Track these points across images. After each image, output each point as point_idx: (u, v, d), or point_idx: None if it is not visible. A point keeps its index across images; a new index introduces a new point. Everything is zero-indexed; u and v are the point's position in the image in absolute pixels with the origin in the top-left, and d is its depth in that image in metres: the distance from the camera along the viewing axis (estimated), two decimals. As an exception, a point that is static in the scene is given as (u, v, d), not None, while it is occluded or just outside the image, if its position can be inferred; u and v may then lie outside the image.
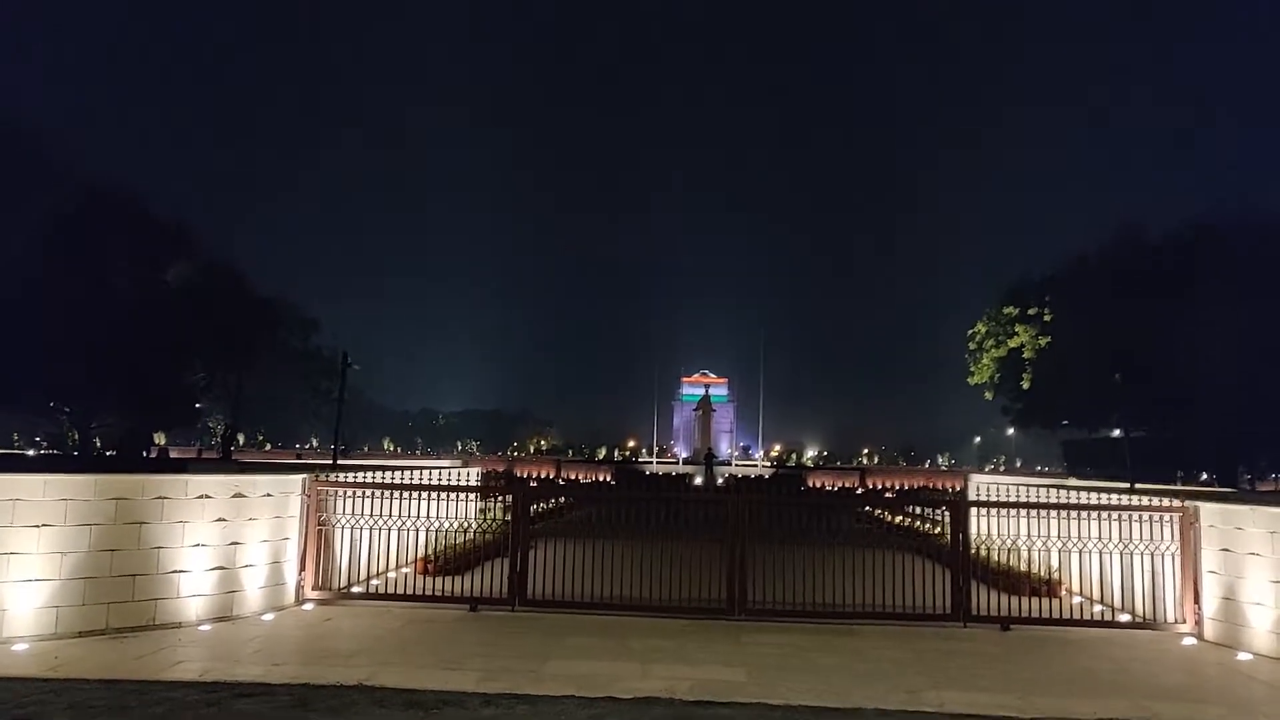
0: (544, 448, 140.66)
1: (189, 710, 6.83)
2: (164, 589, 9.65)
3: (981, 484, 21.24)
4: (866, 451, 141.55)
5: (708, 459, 51.23)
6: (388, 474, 12.69)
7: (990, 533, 11.93)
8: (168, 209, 41.36)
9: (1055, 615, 11.12)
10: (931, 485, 47.58)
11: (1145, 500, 11.75)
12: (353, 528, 11.68)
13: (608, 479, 45.87)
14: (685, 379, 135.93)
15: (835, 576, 11.25)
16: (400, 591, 11.65)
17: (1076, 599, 12.38)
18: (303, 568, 11.26)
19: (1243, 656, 9.67)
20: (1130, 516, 11.33)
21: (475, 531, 12.89)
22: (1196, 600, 10.71)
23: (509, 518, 11.98)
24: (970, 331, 47.98)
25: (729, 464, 73.55)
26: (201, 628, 9.67)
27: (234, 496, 10.37)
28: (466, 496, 13.76)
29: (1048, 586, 12.29)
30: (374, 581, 12.04)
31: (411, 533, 11.99)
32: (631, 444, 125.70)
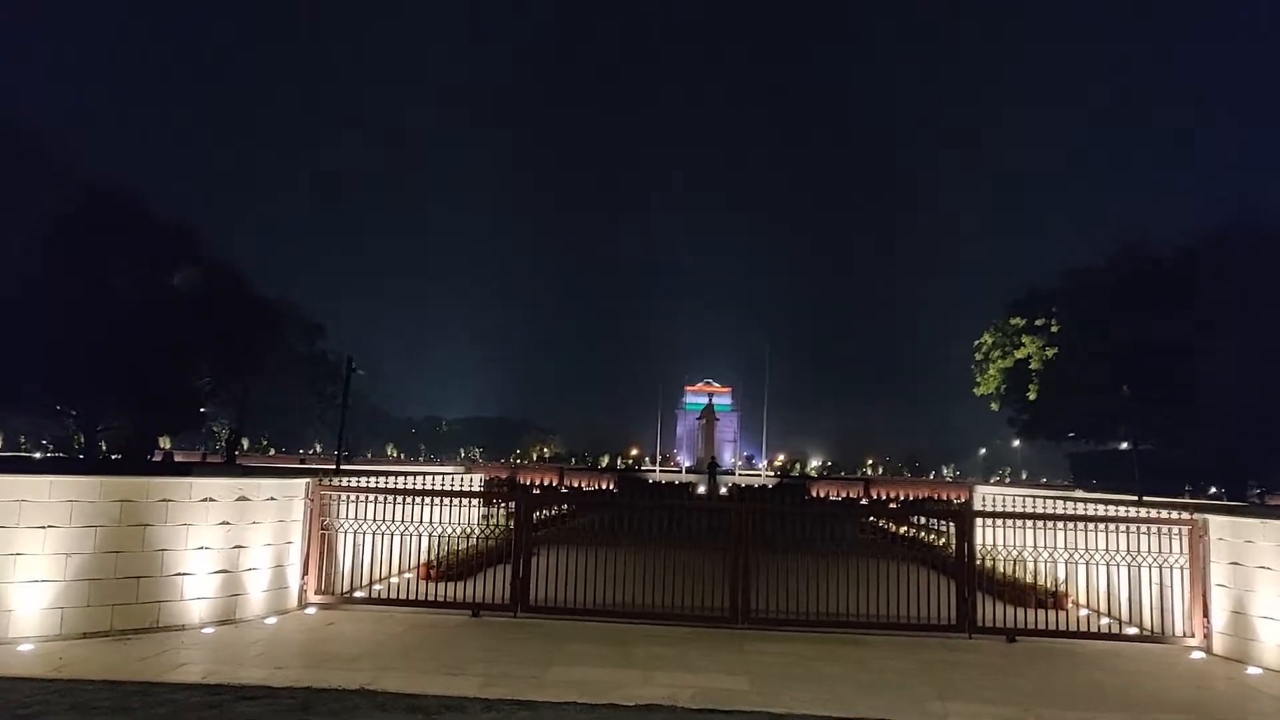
0: (547, 455, 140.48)
1: (191, 712, 6.80)
2: (168, 591, 9.65)
3: (987, 495, 21.14)
4: (871, 462, 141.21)
5: (711, 468, 51.05)
6: (391, 479, 12.69)
7: (996, 544, 11.86)
8: (168, 209, 41.37)
9: (1062, 627, 11.06)
10: (936, 496, 47.45)
11: (1153, 512, 11.68)
12: (356, 532, 11.67)
13: (611, 487, 45.88)
14: (689, 388, 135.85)
15: (839, 586, 11.19)
16: (403, 596, 11.63)
17: (1083, 611, 12.30)
18: (306, 572, 11.24)
19: (1252, 671, 9.58)
20: (1138, 529, 11.26)
21: (478, 537, 12.87)
22: (1205, 614, 10.62)
23: (512, 524, 11.97)
24: (977, 342, 47.94)
25: (733, 473, 73.37)
26: (205, 630, 9.66)
27: (238, 500, 10.36)
28: (469, 502, 13.76)
29: (1054, 599, 12.23)
30: (377, 586, 12.02)
31: (414, 538, 11.98)
32: (634, 452, 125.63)
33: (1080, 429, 47.56)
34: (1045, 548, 11.60)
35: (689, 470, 77.46)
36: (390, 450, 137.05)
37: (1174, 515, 11.32)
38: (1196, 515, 11.08)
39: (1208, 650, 10.44)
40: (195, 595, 9.85)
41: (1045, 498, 14.14)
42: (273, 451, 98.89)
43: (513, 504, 12.36)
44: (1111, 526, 11.42)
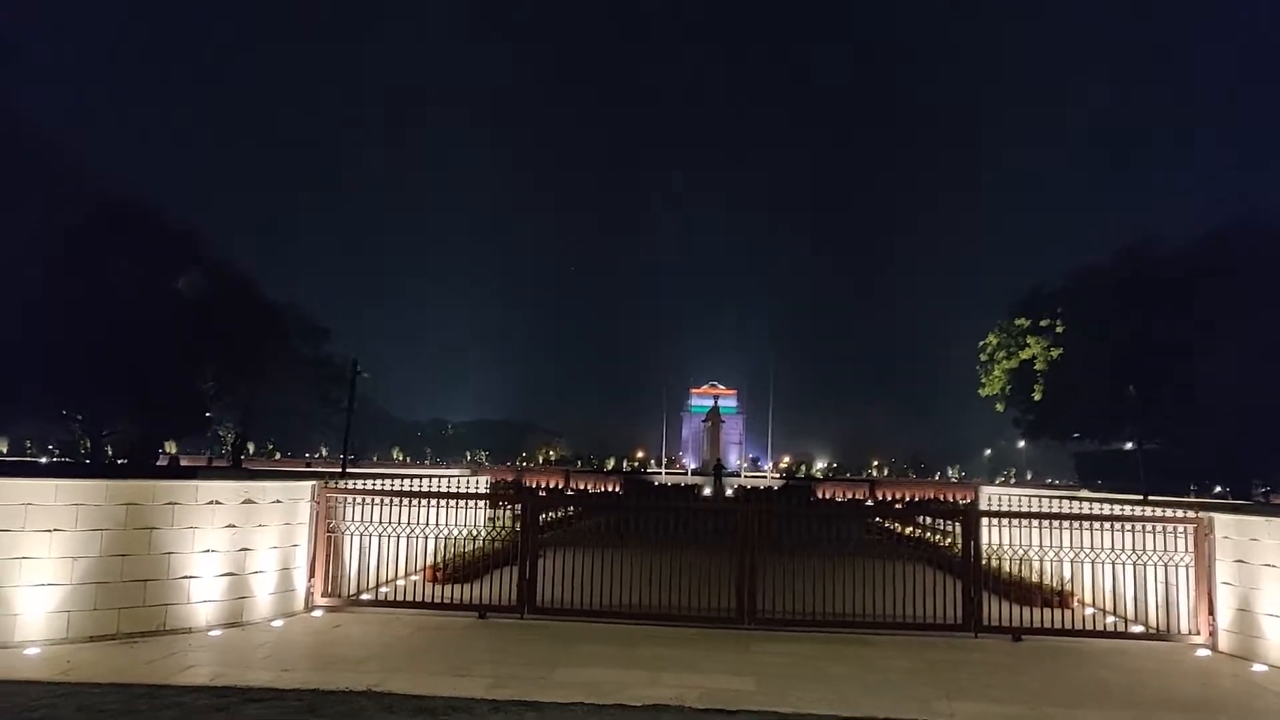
0: (553, 458, 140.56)
1: (199, 714, 6.83)
2: (174, 594, 9.68)
3: (992, 495, 21.09)
4: (876, 464, 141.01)
5: (717, 470, 51.09)
6: (396, 482, 12.72)
7: (1002, 543, 11.85)
8: (169, 211, 41.20)
9: (1068, 626, 11.05)
10: (942, 497, 47.37)
11: (1159, 511, 11.67)
12: (362, 535, 11.69)
13: (616, 489, 45.90)
14: (694, 390, 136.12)
15: (845, 587, 11.19)
16: (409, 599, 11.65)
17: (1089, 610, 12.29)
18: (312, 574, 11.26)
19: (1258, 668, 9.57)
20: (1144, 527, 11.25)
21: (484, 540, 12.89)
22: (1211, 612, 10.61)
23: (518, 526, 11.99)
24: (981, 343, 47.84)
25: (738, 475, 73.28)
26: (211, 633, 9.69)
27: (243, 503, 10.40)
28: (475, 505, 13.78)
29: (1060, 598, 12.21)
30: (383, 589, 12.04)
31: (420, 540, 12.00)
32: (640, 455, 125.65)
33: (1085, 429, 47.44)
34: (1051, 547, 11.59)
35: (695, 472, 77.40)
36: (396, 453, 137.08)
37: (1180, 514, 11.30)
38: (1202, 514, 11.07)
39: (1213, 648, 10.42)
40: (202, 598, 9.88)
41: (1051, 497, 14.12)
42: (278, 456, 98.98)
43: (519, 506, 12.39)
44: (1117, 525, 11.41)
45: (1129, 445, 47.20)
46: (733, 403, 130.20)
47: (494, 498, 15.23)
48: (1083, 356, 39.66)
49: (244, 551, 10.31)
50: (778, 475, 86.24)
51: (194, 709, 6.96)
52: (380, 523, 11.65)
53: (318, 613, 11.06)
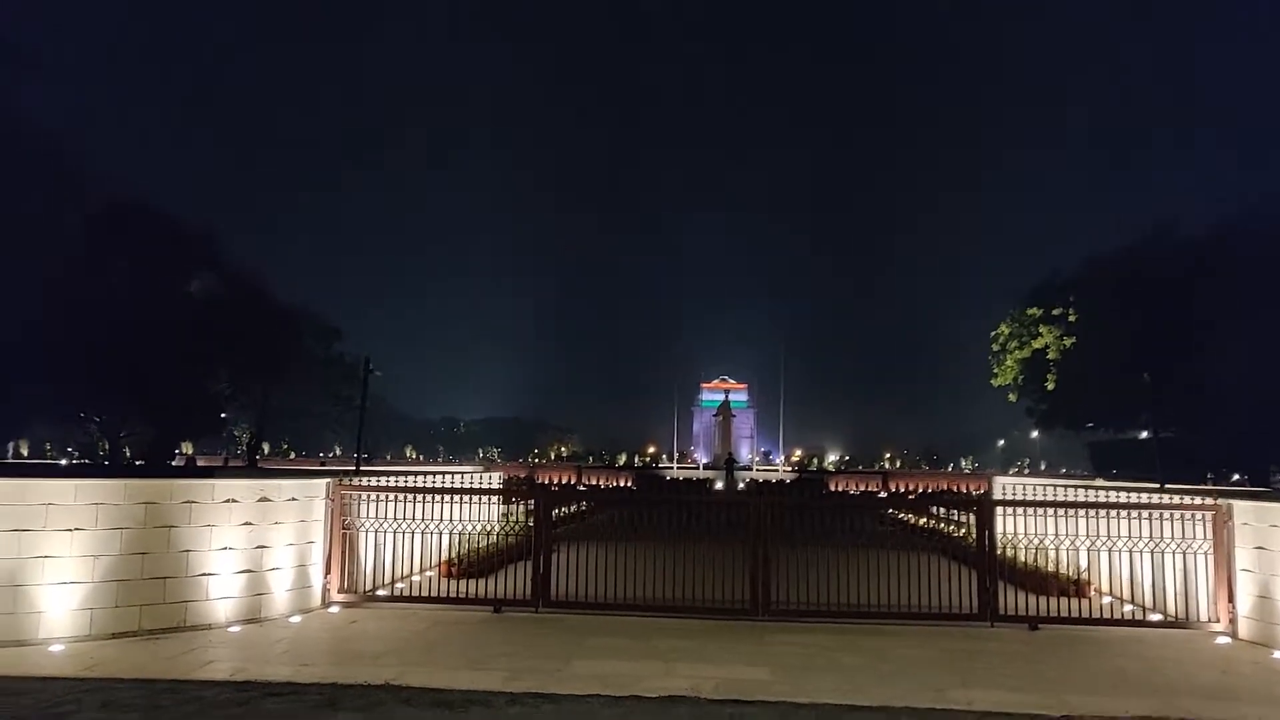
0: (564, 454, 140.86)
1: (220, 709, 6.90)
2: (194, 591, 9.77)
3: (1006, 485, 21.04)
4: (888, 456, 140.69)
5: (728, 464, 51.07)
6: (410, 479, 12.78)
7: (1017, 533, 11.82)
8: (172, 211, 41.34)
9: (1084, 615, 11.01)
10: (955, 488, 47.22)
11: (1177, 499, 11.61)
12: (377, 531, 11.76)
13: (628, 484, 45.96)
14: (705, 385, 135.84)
15: (859, 578, 11.19)
16: (425, 594, 11.72)
17: (1106, 599, 12.24)
18: (328, 571, 11.34)
19: (1279, 655, 9.52)
20: (1162, 515, 11.19)
21: (498, 535, 12.95)
22: (1230, 599, 10.55)
23: (531, 522, 12.04)
24: (994, 333, 47.60)
25: (750, 469, 73.32)
26: (231, 629, 9.78)
27: (260, 500, 10.48)
28: (489, 500, 13.84)
29: (1076, 586, 12.17)
30: (399, 584, 12.11)
31: (435, 536, 12.06)
32: (651, 450, 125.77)
33: (1099, 418, 47.17)
34: (1067, 536, 11.55)
35: (706, 467, 77.50)
36: (409, 452, 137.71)
37: (1198, 501, 11.25)
38: (1221, 501, 11.01)
39: (1233, 635, 10.37)
40: (221, 595, 9.97)
41: (1066, 487, 14.03)
42: (293, 456, 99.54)
43: (532, 502, 12.44)
44: (1134, 513, 11.36)
45: (1144, 434, 46.86)
46: (743, 397, 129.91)
47: (507, 493, 15.28)
48: (1096, 345, 39.44)
49: (261, 549, 10.39)
50: (790, 469, 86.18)
51: (215, 703, 7.04)
52: (395, 519, 11.72)
53: (335, 609, 11.14)
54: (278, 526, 10.64)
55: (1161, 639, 10.35)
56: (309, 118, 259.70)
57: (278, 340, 42.95)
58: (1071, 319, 42.05)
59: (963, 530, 14.34)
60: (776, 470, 78.36)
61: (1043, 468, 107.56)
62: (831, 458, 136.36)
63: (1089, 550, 11.74)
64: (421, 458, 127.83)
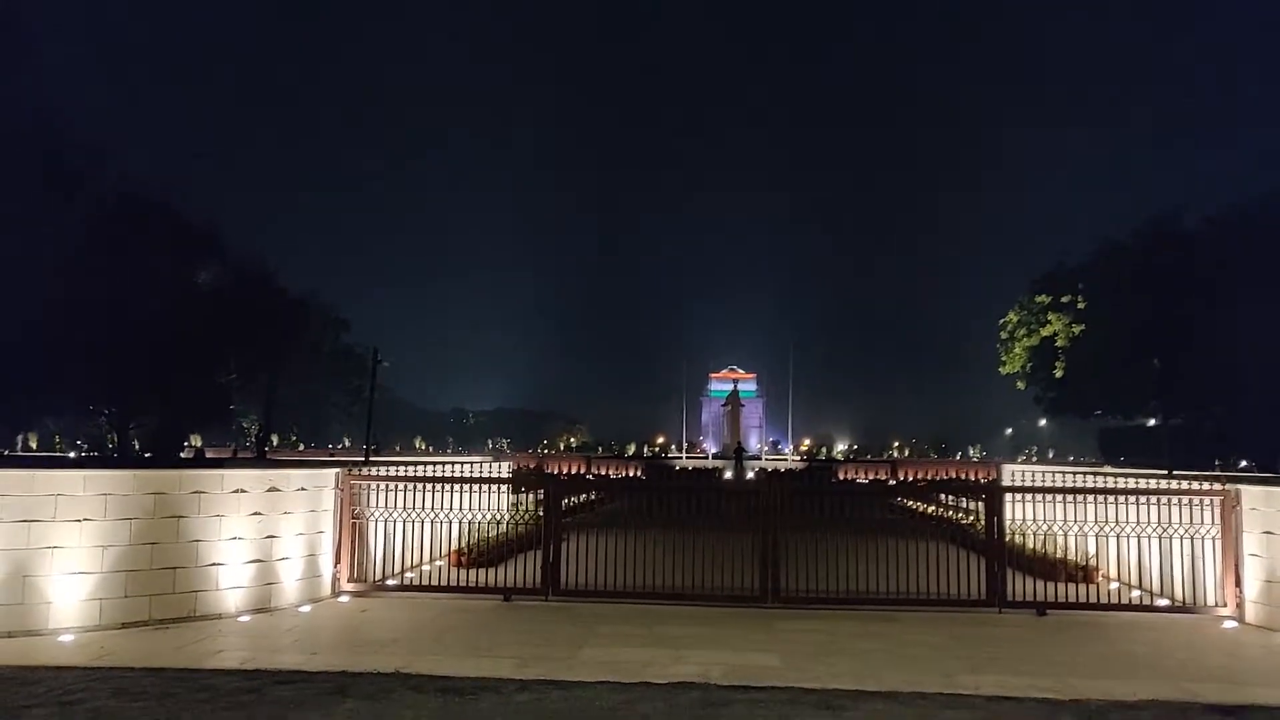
0: (574, 445, 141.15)
1: (231, 696, 6.94)
2: (203, 581, 9.82)
3: (1015, 473, 20.98)
4: (897, 445, 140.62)
5: (738, 454, 50.98)
6: (420, 469, 12.80)
7: (1025, 519, 11.79)
8: (186, 209, 41.43)
9: (1092, 600, 10.99)
10: (963, 476, 47.13)
11: (1185, 484, 11.57)
12: (386, 521, 11.79)
13: (638, 474, 45.97)
14: (713, 375, 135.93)
15: (868, 565, 11.19)
16: (435, 583, 11.74)
17: (1113, 585, 12.20)
18: (338, 560, 11.39)
19: (1287, 640, 9.49)
20: (1169, 500, 11.15)
21: (508, 524, 12.97)
22: (1238, 584, 10.53)
23: (541, 511, 12.05)
24: (1002, 321, 47.47)
25: (759, 459, 73.27)
26: (241, 619, 9.83)
27: (269, 490, 10.51)
28: (499, 490, 13.85)
29: (1084, 572, 12.14)
30: (408, 574, 12.15)
31: (445, 525, 12.09)
32: (660, 440, 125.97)
33: (1108, 405, 47.04)
34: (1075, 522, 11.52)
35: (715, 456, 77.43)
36: (418, 443, 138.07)
37: (1206, 486, 11.20)
38: (1229, 486, 10.96)
39: (1240, 620, 10.35)
40: (230, 584, 10.02)
41: (1074, 473, 13.99)
42: (302, 447, 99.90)
43: (542, 491, 12.45)
44: (1142, 499, 11.32)
45: (1152, 421, 46.73)
46: (752, 386, 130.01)
47: (516, 482, 15.30)
48: (1106, 331, 39.27)
49: (270, 539, 10.43)
50: (799, 458, 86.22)
51: (226, 691, 7.08)
52: (404, 508, 11.75)
53: (344, 598, 11.19)
54: (287, 516, 10.68)
55: (1169, 624, 10.34)
56: (309, 118, 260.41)
57: (284, 331, 43.09)
58: (1080, 306, 41.85)
59: (971, 517, 14.32)
60: (785, 459, 78.36)
61: (1051, 455, 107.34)
62: (840, 447, 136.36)
63: (1097, 536, 11.70)
64: (431, 449, 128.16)
